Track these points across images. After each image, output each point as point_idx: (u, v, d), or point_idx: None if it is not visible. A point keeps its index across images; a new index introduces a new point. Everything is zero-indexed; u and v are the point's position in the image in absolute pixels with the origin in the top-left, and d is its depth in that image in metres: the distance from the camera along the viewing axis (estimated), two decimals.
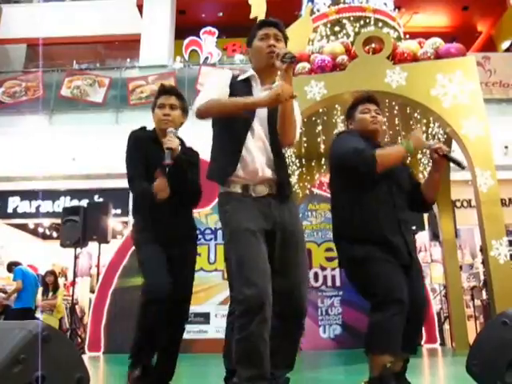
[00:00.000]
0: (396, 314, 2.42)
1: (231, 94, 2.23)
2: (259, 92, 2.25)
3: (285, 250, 2.16)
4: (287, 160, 2.17)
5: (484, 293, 8.85)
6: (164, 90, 2.86)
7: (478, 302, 9.07)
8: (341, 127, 5.69)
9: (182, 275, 2.71)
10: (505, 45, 13.70)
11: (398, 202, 2.66)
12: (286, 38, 2.34)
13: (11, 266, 8.00)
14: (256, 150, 2.18)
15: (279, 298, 2.08)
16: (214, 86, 2.29)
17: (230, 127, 2.21)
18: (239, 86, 2.28)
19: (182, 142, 2.87)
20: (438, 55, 5.01)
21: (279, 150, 2.24)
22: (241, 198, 2.14)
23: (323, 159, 6.57)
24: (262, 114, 2.22)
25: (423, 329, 7.25)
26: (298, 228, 2.24)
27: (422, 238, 9.35)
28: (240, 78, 2.33)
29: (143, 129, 2.93)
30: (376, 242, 2.55)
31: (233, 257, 2.10)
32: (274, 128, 2.21)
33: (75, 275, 8.14)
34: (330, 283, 7.54)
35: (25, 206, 10.07)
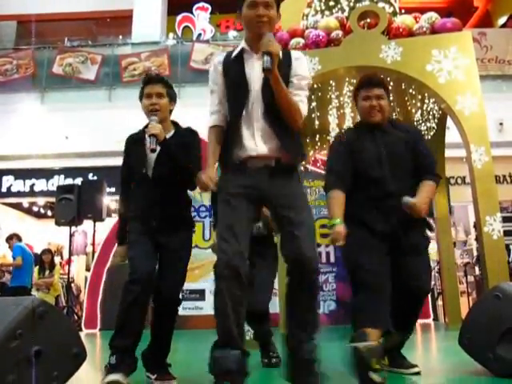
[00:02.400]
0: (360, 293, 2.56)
1: (225, 76, 2.31)
2: (253, 63, 2.27)
3: (280, 212, 2.20)
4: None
5: (477, 269, 8.95)
6: (149, 79, 2.87)
7: (470, 278, 9.18)
8: (335, 103, 5.67)
9: (168, 274, 2.73)
10: (501, 20, 13.58)
11: (387, 177, 2.66)
12: (278, 2, 2.30)
13: (11, 239, 7.98)
14: (251, 131, 2.22)
15: (287, 258, 2.16)
16: (212, 94, 2.37)
17: (229, 110, 2.31)
18: (231, 65, 2.31)
19: (176, 125, 2.93)
20: (434, 30, 4.96)
21: (281, 127, 2.22)
22: (237, 167, 2.23)
23: (317, 136, 6.55)
24: (255, 95, 2.23)
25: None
26: (292, 198, 2.22)
27: None
28: (233, 55, 2.33)
29: (140, 131, 2.94)
30: (349, 216, 2.61)
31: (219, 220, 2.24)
32: (272, 107, 2.20)
33: (71, 253, 8.15)
34: (324, 259, 7.59)
35: (19, 185, 10.03)
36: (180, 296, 2.81)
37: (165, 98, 2.84)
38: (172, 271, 2.74)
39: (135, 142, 2.89)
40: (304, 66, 2.34)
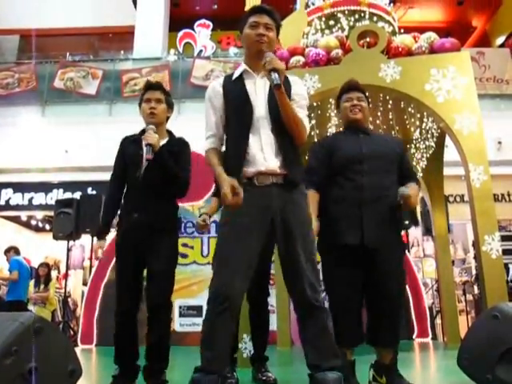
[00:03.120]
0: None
1: (226, 97, 2.31)
2: (255, 82, 2.31)
3: (285, 241, 2.19)
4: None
5: (476, 287, 8.92)
6: (150, 86, 3.05)
7: (469, 297, 9.14)
8: (334, 121, 5.69)
9: (155, 282, 2.84)
10: (499, 40, 13.72)
11: (366, 181, 2.68)
12: (278, 27, 2.36)
13: (9, 251, 7.95)
14: (258, 146, 2.22)
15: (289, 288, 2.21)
16: (209, 117, 2.36)
17: (232, 130, 2.31)
18: (231, 87, 2.33)
19: (170, 134, 3.09)
20: (433, 50, 5.00)
21: (286, 143, 2.25)
22: (244, 188, 2.15)
23: None
24: (260, 112, 2.25)
25: (415, 323, 7.30)
26: (300, 219, 2.23)
27: (415, 232, 9.40)
28: (234, 77, 2.36)
29: (136, 134, 3.08)
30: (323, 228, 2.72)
31: (216, 249, 2.26)
32: (278, 123, 2.23)
33: (68, 268, 8.12)
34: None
35: (17, 198, 10.02)
36: (168, 301, 2.87)
37: (163, 103, 3.01)
38: (158, 277, 2.84)
39: (130, 145, 3.01)
40: (303, 88, 2.43)
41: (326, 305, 2.28)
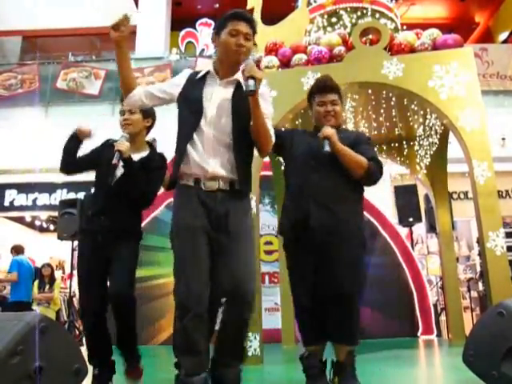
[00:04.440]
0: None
1: (184, 89, 2.35)
2: (213, 87, 2.33)
3: (224, 241, 2.20)
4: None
5: (480, 284, 8.89)
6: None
7: (474, 294, 9.11)
8: None
9: (114, 273, 2.84)
10: (502, 36, 13.68)
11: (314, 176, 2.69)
12: (254, 35, 2.36)
13: (14, 250, 7.99)
14: (205, 149, 2.23)
15: (222, 284, 2.19)
16: (163, 84, 2.45)
17: (180, 128, 2.33)
18: (192, 84, 2.36)
19: (151, 148, 3.09)
20: (436, 46, 4.99)
21: (238, 149, 2.26)
22: (190, 191, 2.22)
23: None
24: (210, 116, 2.27)
25: (419, 320, 7.30)
26: (242, 226, 2.25)
27: (419, 229, 9.38)
28: (198, 76, 2.39)
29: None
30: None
31: (173, 253, 2.23)
32: (237, 131, 2.25)
33: (72, 268, 8.13)
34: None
35: (21, 199, 10.05)
36: (132, 293, 2.87)
37: (136, 114, 2.99)
38: (120, 271, 2.83)
39: (110, 149, 2.98)
40: (270, 103, 2.40)
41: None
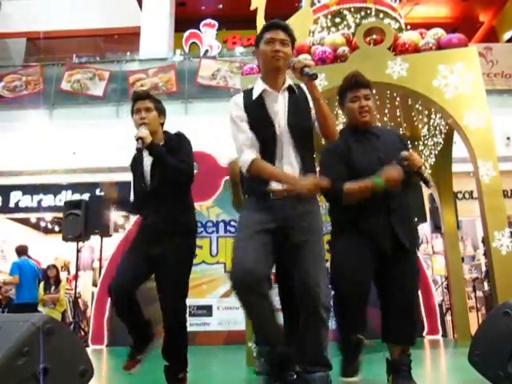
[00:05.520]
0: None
1: (248, 115, 2.37)
2: (275, 100, 2.37)
3: (293, 246, 2.26)
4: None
5: (486, 284, 8.87)
6: (137, 96, 3.06)
7: (479, 294, 9.09)
8: (342, 119, 5.67)
9: (161, 275, 2.87)
10: (507, 35, 13.63)
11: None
12: (293, 42, 2.41)
13: (16, 252, 8.03)
14: (280, 162, 2.32)
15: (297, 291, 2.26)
16: (240, 129, 2.38)
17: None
18: (253, 109, 2.38)
19: (166, 134, 3.08)
20: (440, 46, 4.98)
21: (305, 156, 2.37)
22: (260, 195, 2.31)
23: None
24: (282, 130, 2.33)
25: (425, 320, 7.27)
26: (310, 227, 2.30)
27: (424, 229, 9.36)
28: (254, 97, 2.40)
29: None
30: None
31: (233, 246, 2.31)
32: (298, 137, 2.33)
33: (77, 269, 8.16)
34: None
35: (27, 201, 10.07)
36: (184, 315, 2.89)
37: (153, 111, 3.01)
38: (160, 270, 2.86)
39: (135, 161, 3.07)
40: None
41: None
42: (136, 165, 3.06)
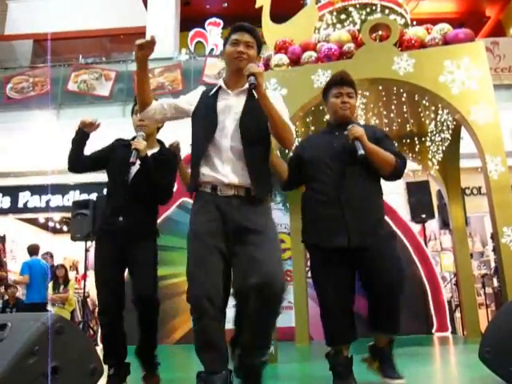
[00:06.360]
0: None
1: (198, 106, 2.41)
2: (227, 99, 2.38)
3: (242, 247, 2.20)
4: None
5: (495, 280, 8.82)
6: None
7: (489, 290, 9.05)
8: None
9: (137, 275, 2.91)
10: None
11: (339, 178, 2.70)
12: (259, 45, 2.43)
13: (28, 251, 8.10)
14: (221, 160, 2.27)
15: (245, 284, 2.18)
16: (180, 100, 2.48)
17: (195, 143, 2.39)
18: (205, 99, 2.42)
19: (161, 144, 3.18)
20: (446, 41, 4.95)
21: (254, 158, 2.29)
22: (207, 197, 2.27)
23: None
24: (226, 128, 2.31)
25: (434, 317, 7.25)
26: (262, 223, 2.25)
27: (432, 226, 9.32)
28: (212, 92, 2.43)
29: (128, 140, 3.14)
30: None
31: (187, 258, 2.25)
32: (246, 138, 2.28)
33: (86, 268, 8.18)
34: None
35: (35, 201, 10.14)
36: (156, 295, 2.93)
37: None
38: (143, 274, 2.90)
39: (122, 148, 3.07)
40: (282, 104, 2.45)
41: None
42: (122, 151, 3.05)
